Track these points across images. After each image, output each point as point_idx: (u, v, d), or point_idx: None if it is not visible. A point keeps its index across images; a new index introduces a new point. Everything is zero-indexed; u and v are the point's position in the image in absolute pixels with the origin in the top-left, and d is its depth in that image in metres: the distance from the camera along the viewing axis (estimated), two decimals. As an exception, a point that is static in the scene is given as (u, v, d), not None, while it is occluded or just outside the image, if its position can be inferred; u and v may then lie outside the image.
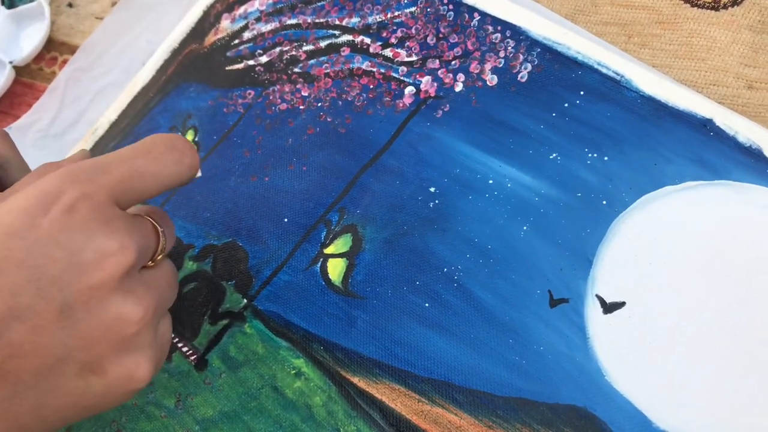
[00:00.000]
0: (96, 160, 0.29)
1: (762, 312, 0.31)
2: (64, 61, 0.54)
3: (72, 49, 0.54)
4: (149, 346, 0.29)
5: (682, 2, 0.40)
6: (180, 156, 0.31)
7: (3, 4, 0.56)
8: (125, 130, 0.49)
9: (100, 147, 0.48)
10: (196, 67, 0.49)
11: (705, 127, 0.35)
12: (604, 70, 0.38)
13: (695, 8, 0.40)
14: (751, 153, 0.34)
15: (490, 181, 0.38)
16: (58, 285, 0.26)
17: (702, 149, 0.35)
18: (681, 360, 0.31)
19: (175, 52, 0.50)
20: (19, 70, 0.55)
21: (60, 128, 0.51)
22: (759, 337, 0.31)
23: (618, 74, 0.38)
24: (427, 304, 0.36)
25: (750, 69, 0.37)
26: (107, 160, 0.29)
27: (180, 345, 0.40)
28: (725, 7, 0.39)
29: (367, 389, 0.35)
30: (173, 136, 0.32)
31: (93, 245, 0.26)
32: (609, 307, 0.33)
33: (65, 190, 0.27)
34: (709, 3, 0.39)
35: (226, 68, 0.48)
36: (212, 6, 0.51)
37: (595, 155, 0.36)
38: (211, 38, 0.50)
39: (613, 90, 0.37)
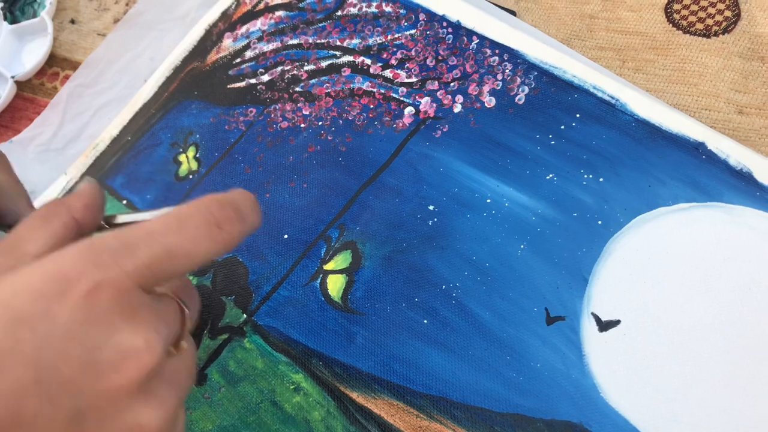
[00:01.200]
0: (122, 236, 0.24)
1: (753, 331, 0.32)
2: (66, 77, 0.55)
3: (74, 65, 0.55)
4: None
5: (675, 29, 0.41)
6: (217, 232, 0.26)
7: (6, 19, 0.57)
8: (126, 145, 0.49)
9: (102, 162, 0.49)
10: (198, 84, 0.50)
11: (697, 150, 0.36)
12: (599, 94, 0.39)
13: (687, 35, 0.41)
14: (742, 176, 0.35)
15: (488, 201, 0.39)
16: (70, 389, 0.22)
17: (695, 172, 0.36)
18: (674, 377, 0.32)
19: (177, 70, 0.51)
20: (21, 85, 0.55)
21: (61, 143, 0.51)
22: (751, 355, 0.32)
23: (613, 98, 0.39)
24: (425, 321, 0.37)
25: (740, 95, 0.38)
26: (135, 237, 0.24)
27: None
28: (716, 34, 0.40)
29: (365, 404, 0.36)
30: (218, 199, 0.27)
31: (114, 342, 0.23)
32: (604, 325, 0.34)
33: (86, 273, 0.22)
34: (701, 30, 0.41)
35: (228, 86, 0.49)
36: (214, 25, 0.51)
37: (591, 176, 0.37)
38: (213, 56, 0.50)
39: (608, 113, 0.38)
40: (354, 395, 0.36)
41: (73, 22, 0.57)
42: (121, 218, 0.31)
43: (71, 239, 0.27)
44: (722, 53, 0.39)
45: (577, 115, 0.39)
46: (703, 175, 0.35)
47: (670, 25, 0.41)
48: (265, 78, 0.48)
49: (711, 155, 0.36)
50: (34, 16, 0.57)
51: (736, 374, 0.32)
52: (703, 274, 0.34)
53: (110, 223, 0.31)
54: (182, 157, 0.47)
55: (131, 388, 0.23)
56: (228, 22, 0.51)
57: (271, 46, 0.49)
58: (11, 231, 0.26)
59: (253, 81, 0.48)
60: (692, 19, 0.41)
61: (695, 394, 0.32)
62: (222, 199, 0.27)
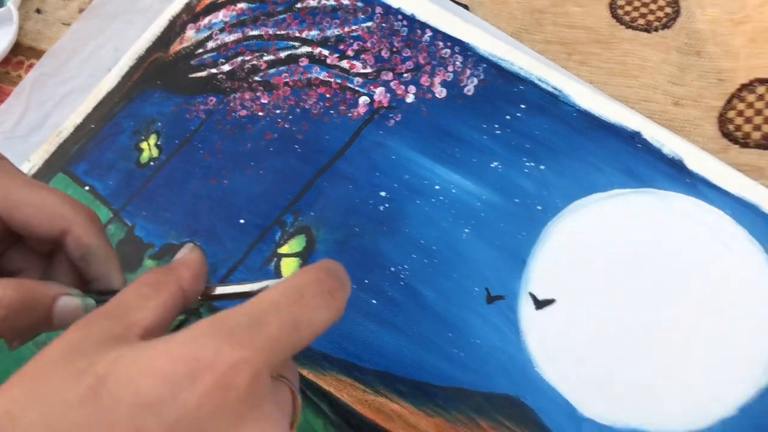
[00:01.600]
0: (249, 310, 0.23)
1: (679, 308, 0.34)
2: (31, 66, 0.55)
3: (39, 54, 0.56)
4: None
5: (619, 24, 0.43)
6: (332, 301, 0.25)
7: (-28, 8, 0.58)
8: (89, 133, 0.50)
9: (65, 149, 0.50)
10: (160, 74, 0.51)
11: (633, 139, 0.38)
12: (544, 86, 0.41)
13: (630, 29, 0.43)
14: (674, 164, 0.37)
15: (437, 187, 0.40)
16: None
17: (630, 160, 0.38)
18: (604, 353, 0.34)
19: (141, 60, 0.52)
20: (-14, 73, 0.56)
21: (25, 130, 0.52)
22: (675, 331, 0.34)
23: (557, 89, 0.40)
24: (374, 301, 0.38)
25: (677, 87, 0.40)
26: (262, 311, 0.23)
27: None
28: (657, 29, 0.42)
29: (315, 380, 0.37)
30: (322, 269, 0.26)
31: None
32: (540, 304, 0.36)
33: (223, 357, 0.20)
34: (643, 25, 0.43)
35: (190, 76, 0.50)
36: (178, 16, 0.53)
37: (533, 164, 0.39)
38: (176, 47, 0.52)
39: (551, 104, 0.40)
40: (304, 372, 0.38)
41: (38, 11, 0.58)
42: (219, 290, 0.29)
43: (179, 310, 0.26)
44: (662, 48, 0.41)
45: (523, 106, 0.41)
46: (637, 162, 0.37)
47: (614, 20, 0.43)
48: (226, 68, 0.49)
49: (646, 144, 0.38)
50: (1, 5, 0.58)
51: (662, 350, 0.34)
52: (634, 255, 0.35)
53: (207, 295, 0.29)
54: (144, 145, 0.48)
55: None
56: (191, 14, 0.52)
57: (232, 37, 0.50)
58: (115, 297, 0.24)
59: (214, 71, 0.49)
60: (635, 14, 0.43)
61: (622, 368, 0.34)
62: (328, 269, 0.26)
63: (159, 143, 0.48)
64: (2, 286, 0.26)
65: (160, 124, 0.49)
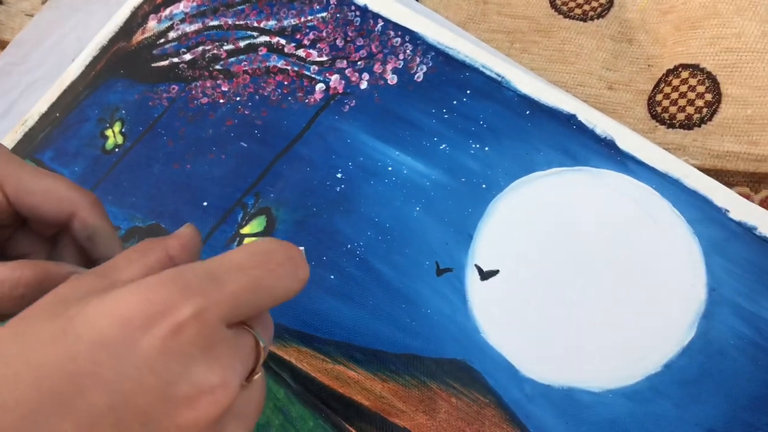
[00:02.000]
0: (210, 265, 0.24)
1: (609, 276, 0.37)
2: (-6, 56, 0.57)
3: (2, 45, 0.57)
4: None
5: (557, 13, 0.46)
6: (296, 269, 0.26)
7: (-68, -1, 0.58)
8: (55, 121, 0.52)
9: (31, 137, 0.51)
10: (124, 63, 0.53)
11: (569, 121, 0.41)
12: (487, 72, 0.43)
13: (567, 19, 0.46)
14: (606, 143, 0.40)
15: (390, 168, 0.43)
16: (143, 420, 0.21)
17: (566, 140, 0.41)
18: (542, 318, 0.37)
19: (104, 49, 0.53)
20: (-51, 64, 0.57)
21: (-10, 119, 0.53)
22: (609, 298, 0.37)
23: (499, 76, 0.43)
24: (332, 277, 0.41)
25: (610, 72, 0.43)
26: (223, 268, 0.24)
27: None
28: (592, 18, 0.45)
29: (277, 352, 0.40)
30: (289, 245, 0.27)
31: (191, 377, 0.22)
32: (485, 275, 0.39)
33: (176, 304, 0.22)
34: (579, 15, 0.46)
35: (152, 65, 0.52)
36: (140, 7, 0.54)
37: (478, 146, 0.42)
38: (138, 37, 0.53)
39: (494, 89, 0.43)
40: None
41: (1, 2, 0.59)
42: None
43: None
44: (596, 36, 0.44)
45: (468, 92, 0.43)
46: (573, 143, 0.40)
47: (553, 10, 0.46)
48: (187, 57, 0.51)
49: (581, 125, 0.41)
50: (-39, -4, 0.58)
51: (595, 314, 0.37)
52: (570, 228, 0.39)
53: None
54: (109, 132, 0.50)
55: (203, 425, 0.23)
56: (152, 4, 0.54)
57: (193, 27, 0.52)
58: (107, 261, 0.26)
59: (175, 60, 0.51)
60: (572, 4, 0.46)
61: (559, 332, 0.37)
62: (291, 245, 0.27)
63: (123, 130, 0.50)
64: (19, 267, 0.27)
65: (124, 111, 0.50)
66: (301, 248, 0.28)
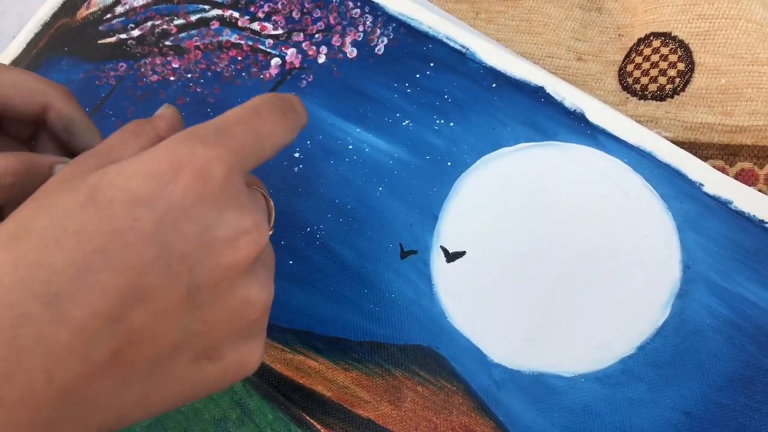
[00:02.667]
0: (214, 123, 0.26)
1: (580, 255, 0.36)
2: (-70, 34, 0.53)
3: (-62, 22, 0.53)
4: (263, 331, 0.28)
5: (524, -18, 0.44)
6: (285, 115, 0.28)
7: None
8: (-4, 103, 0.49)
9: (-31, 120, 0.48)
10: (67, 40, 0.49)
11: (537, 94, 0.39)
12: (451, 44, 0.41)
13: (534, -13, 0.44)
14: (576, 116, 0.38)
15: (350, 147, 0.41)
16: (188, 264, 0.23)
17: (534, 114, 0.39)
18: (511, 301, 0.35)
19: (46, 26, 0.50)
20: None
21: (-74, 102, 0.50)
22: (580, 278, 0.35)
23: (464, 47, 0.41)
24: (291, 262, 0.39)
25: (579, 42, 0.42)
26: (225, 123, 0.26)
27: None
28: (560, -14, 0.43)
29: (234, 342, 0.38)
30: (275, 95, 0.29)
31: (226, 221, 0.24)
32: (452, 257, 0.37)
33: (199, 155, 0.23)
34: (547, -17, 0.43)
35: (99, 42, 0.49)
36: (84, -20, 0.51)
37: (442, 121, 0.40)
38: (83, 12, 0.50)
39: (459, 62, 0.41)
40: (223, 334, 0.38)
41: (-65, -23, 0.55)
42: None
43: None
44: (564, 4, 0.42)
45: (431, 64, 0.41)
46: (541, 116, 0.38)
47: (520, -22, 0.44)
48: (136, 33, 0.48)
49: (549, 98, 0.39)
50: None
51: (565, 295, 0.35)
52: (540, 206, 0.37)
53: None
54: (52, 113, 0.47)
55: (243, 266, 0.24)
56: (97, -23, 0.51)
57: (141, 2, 0.49)
58: (100, 143, 0.27)
59: (123, 36, 0.48)
60: (539, -28, 0.44)
61: (529, 315, 0.35)
62: (281, 95, 0.29)
63: (68, 111, 0.47)
64: (3, 157, 0.28)
65: (68, 91, 0.47)
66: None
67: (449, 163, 0.39)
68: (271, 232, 0.28)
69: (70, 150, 0.32)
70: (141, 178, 0.22)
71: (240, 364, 0.26)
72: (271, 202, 0.29)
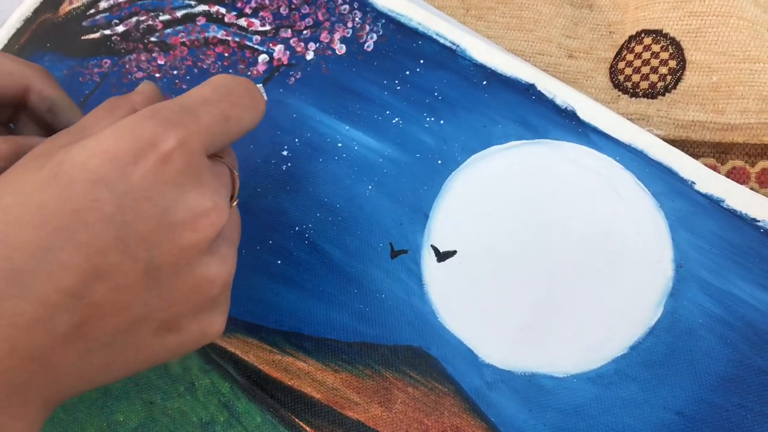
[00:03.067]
0: (182, 101, 0.26)
1: (572, 254, 0.35)
2: None
3: None
4: (226, 302, 0.28)
5: (514, -22, 0.43)
6: (255, 102, 0.29)
7: None
8: (-24, 100, 0.48)
9: (-51, 117, 0.47)
10: (50, 36, 0.48)
11: (528, 91, 0.39)
12: (441, 40, 0.41)
13: (525, -16, 0.43)
14: (567, 114, 0.38)
15: (339, 145, 0.40)
16: (146, 244, 0.23)
17: (525, 111, 0.38)
18: (502, 300, 0.35)
19: (28, 21, 0.49)
20: None
21: None
22: (569, 275, 0.35)
23: (454, 44, 0.41)
24: (279, 262, 0.38)
25: (570, 40, 0.41)
26: (193, 102, 0.26)
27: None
28: (551, -17, 0.43)
29: (220, 344, 0.37)
30: (244, 80, 0.29)
31: (185, 203, 0.24)
32: (442, 256, 0.36)
33: (160, 137, 0.24)
34: (537, -21, 0.43)
35: (82, 38, 0.48)
36: (67, -26, 0.50)
37: (432, 119, 0.39)
38: (65, 7, 0.49)
39: (449, 59, 0.40)
40: (210, 335, 0.37)
41: None
42: None
43: None
44: (555, 1, 0.42)
45: (421, 61, 0.41)
46: (532, 114, 0.38)
47: (510, -26, 0.43)
48: (120, 29, 0.47)
49: (540, 96, 0.38)
50: None
51: (557, 295, 0.35)
52: (530, 205, 0.36)
53: None
54: (35, 110, 0.46)
55: (202, 246, 0.25)
56: (81, -28, 0.50)
57: (125, -4, 0.48)
58: (77, 122, 0.27)
59: (107, 32, 0.47)
60: (529, -31, 0.43)
61: (520, 315, 0.35)
62: (246, 79, 0.29)
63: (51, 109, 0.46)
64: None
65: (51, 88, 0.46)
66: (259, 85, 0.30)
67: (440, 161, 0.38)
68: (235, 203, 0.29)
69: (52, 131, 0.32)
70: (101, 158, 0.23)
71: (201, 335, 0.27)
72: (236, 173, 0.29)
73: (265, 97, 0.30)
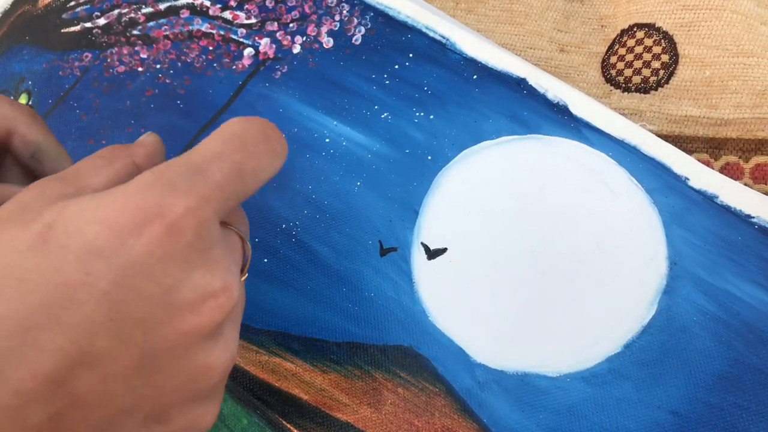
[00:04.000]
0: (189, 160, 0.22)
1: (565, 251, 0.35)
2: None
3: None
4: (221, 390, 0.25)
5: (505, -29, 0.43)
6: (274, 146, 0.25)
7: None
8: (-47, 94, 0.46)
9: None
10: (29, 28, 0.47)
11: (519, 86, 0.38)
12: (431, 34, 0.40)
13: (515, -23, 0.42)
14: (559, 109, 0.37)
15: (327, 140, 0.39)
16: (143, 328, 0.20)
17: (516, 106, 0.38)
18: (494, 298, 0.34)
19: (6, 14, 0.48)
20: None
21: None
22: (562, 273, 0.34)
23: (444, 37, 0.40)
24: (266, 260, 0.37)
25: (562, 34, 0.41)
26: (202, 160, 0.23)
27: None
28: (541, -24, 0.42)
29: (206, 344, 0.36)
30: (261, 121, 0.25)
31: (192, 282, 0.21)
32: (432, 254, 0.36)
33: (164, 204, 0.21)
34: (528, -28, 0.42)
35: (62, 30, 0.47)
36: (46, -34, 0.49)
37: (422, 114, 0.38)
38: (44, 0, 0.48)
39: (439, 52, 0.40)
40: (195, 336, 0.36)
41: None
42: None
43: None
44: (546, -6, 0.41)
45: (411, 55, 0.40)
46: (523, 109, 0.37)
47: (500, -33, 0.43)
48: (101, 21, 0.46)
49: (531, 90, 0.38)
50: None
51: (550, 292, 0.34)
52: (522, 201, 0.36)
53: None
54: (13, 105, 0.45)
55: (205, 332, 0.22)
56: (60, -37, 0.49)
57: (107, -12, 0.47)
58: (70, 167, 0.24)
59: (88, 25, 0.46)
60: (520, -39, 0.43)
61: (512, 313, 0.34)
62: (264, 120, 0.26)
63: (30, 103, 0.45)
64: None
65: (30, 82, 0.45)
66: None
67: (429, 157, 0.37)
68: (244, 277, 0.26)
69: (37, 178, 0.29)
70: (100, 226, 0.20)
71: (190, 427, 0.24)
72: (248, 246, 0.26)
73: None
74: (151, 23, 0.45)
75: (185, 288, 0.21)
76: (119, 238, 0.20)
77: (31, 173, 0.29)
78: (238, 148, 0.24)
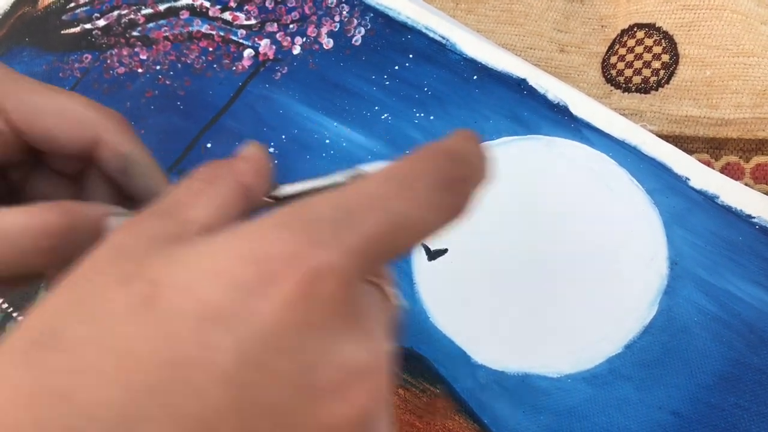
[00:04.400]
0: (338, 201, 0.17)
1: (565, 252, 0.35)
2: None
3: None
4: None
5: (504, -28, 0.43)
6: (448, 195, 0.19)
7: None
8: (-47, 96, 0.46)
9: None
10: (29, 30, 0.47)
11: (519, 86, 0.38)
12: (431, 34, 0.40)
13: (515, -23, 0.42)
14: (559, 109, 0.37)
15: (327, 141, 0.39)
16: (276, 420, 0.15)
17: (516, 107, 0.38)
18: (495, 300, 0.34)
19: (6, 15, 0.48)
20: None
21: None
22: (563, 274, 0.34)
23: (444, 38, 0.40)
24: (266, 261, 0.37)
25: (562, 34, 0.41)
26: (355, 204, 0.17)
27: (15, 315, 0.39)
28: (541, -24, 0.42)
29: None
30: (441, 160, 0.19)
31: (335, 357, 0.16)
32: (433, 255, 0.36)
33: (300, 255, 0.16)
34: (528, -27, 0.42)
35: (62, 32, 0.47)
36: (46, -33, 0.49)
37: (422, 115, 0.38)
38: (45, 1, 0.48)
39: (439, 53, 0.40)
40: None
41: None
42: (287, 189, 0.24)
43: (241, 210, 0.20)
44: (546, -5, 0.41)
45: (410, 56, 0.40)
46: (524, 109, 0.37)
47: (500, -33, 0.43)
48: (101, 23, 0.46)
49: (532, 91, 0.38)
50: None
51: (552, 293, 0.34)
52: (523, 201, 0.36)
53: (278, 197, 0.23)
54: (13, 107, 0.45)
55: (353, 423, 0.16)
56: (60, -36, 0.49)
57: (106, -10, 0.47)
58: (164, 197, 0.19)
59: (88, 26, 0.46)
60: (520, -38, 0.43)
61: (514, 314, 0.34)
62: (453, 152, 0.20)
63: (30, 105, 0.44)
64: (40, 212, 0.21)
65: (30, 84, 0.45)
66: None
67: (430, 158, 0.37)
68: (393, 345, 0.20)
69: (126, 193, 0.26)
70: (219, 283, 0.15)
71: None
72: (396, 303, 0.20)
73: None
74: (151, 24, 0.45)
75: (327, 365, 0.16)
76: (243, 299, 0.15)
77: (117, 189, 0.26)
78: (402, 192, 0.18)
